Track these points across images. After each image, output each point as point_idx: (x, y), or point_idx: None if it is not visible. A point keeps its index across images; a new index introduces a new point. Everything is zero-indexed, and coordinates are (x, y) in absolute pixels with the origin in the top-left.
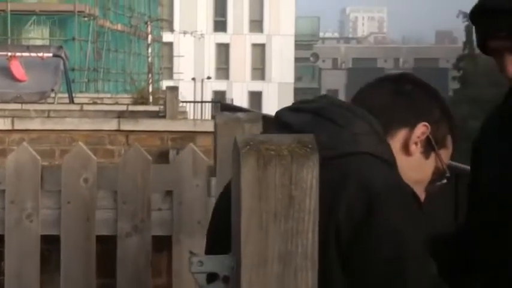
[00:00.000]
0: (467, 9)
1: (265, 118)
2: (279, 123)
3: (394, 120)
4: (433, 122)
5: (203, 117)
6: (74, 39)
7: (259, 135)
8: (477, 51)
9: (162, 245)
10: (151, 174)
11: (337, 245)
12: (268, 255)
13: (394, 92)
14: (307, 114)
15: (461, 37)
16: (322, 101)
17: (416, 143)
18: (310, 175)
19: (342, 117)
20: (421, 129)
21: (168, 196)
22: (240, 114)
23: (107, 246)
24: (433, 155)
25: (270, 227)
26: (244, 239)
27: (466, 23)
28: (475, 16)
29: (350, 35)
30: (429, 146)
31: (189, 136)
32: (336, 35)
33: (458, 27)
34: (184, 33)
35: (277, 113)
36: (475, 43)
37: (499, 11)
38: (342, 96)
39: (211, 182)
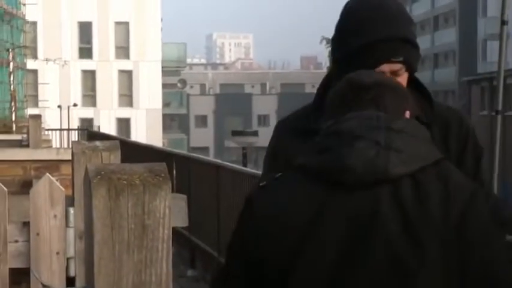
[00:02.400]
0: (330, 35)
1: (125, 145)
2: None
3: None
4: None
5: (70, 146)
6: None
7: (111, 165)
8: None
9: (20, 277)
10: (8, 205)
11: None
12: (122, 286)
13: None
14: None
15: (326, 62)
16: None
17: None
18: (163, 204)
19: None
20: None
21: (25, 227)
22: (97, 143)
23: None
24: None
25: (123, 257)
26: (97, 270)
27: (329, 48)
28: (375, 43)
29: (217, 61)
30: None
31: (54, 165)
32: (203, 61)
33: (322, 53)
34: (47, 60)
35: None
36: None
37: (398, 40)
38: (209, 121)
39: (70, 212)
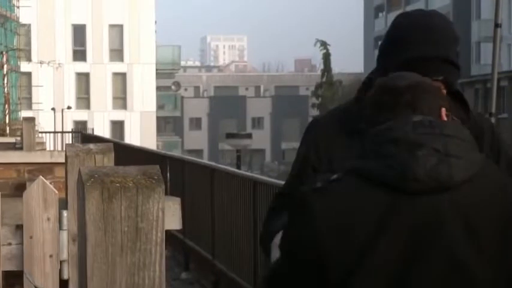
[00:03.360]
0: (325, 37)
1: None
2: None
3: None
4: None
5: (63, 148)
6: None
7: (104, 167)
8: (335, 78)
9: (13, 280)
10: (1, 207)
11: None
12: None
13: None
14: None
15: (320, 65)
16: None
17: None
18: (156, 206)
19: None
20: None
21: (19, 230)
22: (91, 145)
23: None
24: None
25: (117, 260)
26: (90, 273)
27: (324, 51)
28: (420, 60)
29: (212, 64)
30: None
31: (47, 167)
32: (198, 63)
33: (316, 55)
34: (41, 63)
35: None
36: (333, 71)
37: (441, 60)
38: (204, 123)
39: (63, 215)
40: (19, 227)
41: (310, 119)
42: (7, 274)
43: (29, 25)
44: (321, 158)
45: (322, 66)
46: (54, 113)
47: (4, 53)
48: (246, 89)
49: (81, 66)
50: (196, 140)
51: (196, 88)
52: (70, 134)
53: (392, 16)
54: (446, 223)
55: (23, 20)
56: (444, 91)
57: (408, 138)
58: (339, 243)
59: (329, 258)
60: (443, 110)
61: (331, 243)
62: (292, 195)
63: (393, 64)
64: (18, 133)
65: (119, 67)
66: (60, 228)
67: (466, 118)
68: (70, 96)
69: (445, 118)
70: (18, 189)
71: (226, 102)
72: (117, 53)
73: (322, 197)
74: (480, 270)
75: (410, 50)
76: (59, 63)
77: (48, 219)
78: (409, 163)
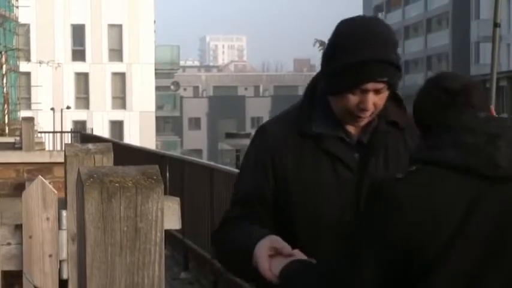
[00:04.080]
0: (324, 37)
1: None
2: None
3: None
4: None
5: (63, 148)
6: None
7: (103, 167)
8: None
9: (12, 280)
10: (0, 207)
11: None
12: None
13: None
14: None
15: (319, 65)
16: None
17: None
18: (155, 206)
19: None
20: None
21: (18, 230)
22: (90, 145)
23: None
24: None
25: (116, 260)
26: (89, 272)
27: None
28: (365, 63)
29: (211, 63)
30: None
31: (46, 167)
32: (197, 63)
33: (315, 55)
34: (40, 62)
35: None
36: None
37: (385, 62)
38: (203, 123)
39: (62, 215)
40: (18, 227)
41: None
42: (6, 274)
43: (28, 25)
44: (283, 163)
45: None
46: (53, 112)
47: (3, 53)
48: (245, 88)
49: (80, 66)
50: (196, 139)
51: (196, 88)
52: (69, 134)
53: (391, 16)
54: None
55: (22, 19)
56: (387, 92)
57: (486, 129)
58: (425, 235)
59: (418, 244)
60: (492, 106)
61: (418, 236)
62: (253, 205)
63: (338, 68)
64: (18, 133)
65: (118, 67)
66: (60, 228)
67: (403, 118)
68: (69, 96)
69: (494, 113)
70: (18, 189)
71: (226, 102)
72: (116, 53)
73: (407, 186)
74: None
75: (355, 53)
76: (58, 63)
77: (48, 219)
78: (494, 152)
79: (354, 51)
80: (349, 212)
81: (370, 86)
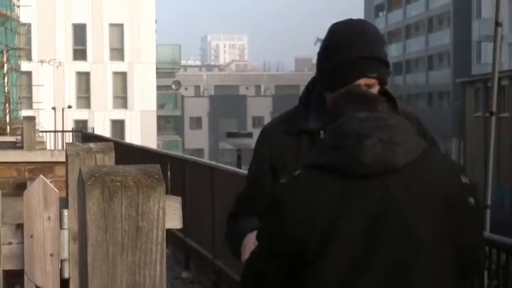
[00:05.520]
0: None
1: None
2: None
3: None
4: None
5: (64, 147)
6: None
7: (105, 166)
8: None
9: (14, 279)
10: (2, 207)
11: None
12: None
13: None
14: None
15: None
16: None
17: None
18: (156, 206)
19: None
20: None
21: (19, 229)
22: (91, 145)
23: None
24: None
25: (117, 259)
26: (91, 272)
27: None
28: (356, 60)
29: (212, 63)
30: None
31: (48, 166)
32: (198, 62)
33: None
34: (42, 62)
35: None
36: None
37: (374, 59)
38: (204, 122)
39: (64, 214)
40: (19, 226)
41: None
42: (8, 273)
43: (30, 24)
44: (281, 156)
45: None
46: (55, 112)
47: (4, 52)
48: (247, 88)
49: (81, 66)
50: (197, 139)
51: (197, 87)
52: (70, 133)
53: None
54: (395, 199)
55: (23, 19)
56: (378, 87)
57: (358, 130)
58: (305, 229)
59: (300, 244)
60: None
61: (299, 231)
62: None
63: (333, 66)
64: (19, 132)
65: (119, 66)
66: (61, 227)
67: (395, 112)
68: (70, 95)
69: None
70: (19, 188)
71: (227, 102)
72: (117, 52)
73: (287, 190)
74: (425, 235)
75: (348, 52)
76: (59, 62)
77: (49, 218)
78: (359, 151)
79: (348, 50)
80: None
81: (363, 81)
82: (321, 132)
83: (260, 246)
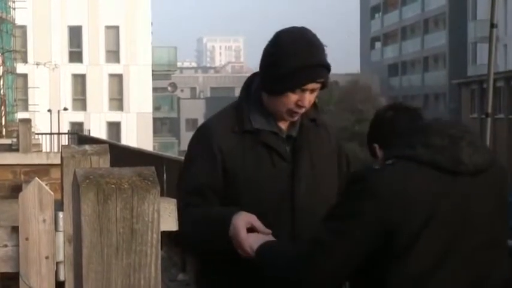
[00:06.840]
0: (320, 38)
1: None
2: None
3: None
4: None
5: (59, 150)
6: None
7: (100, 169)
8: (331, 79)
9: (9, 282)
10: None
11: None
12: None
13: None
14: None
15: None
16: None
17: None
18: (151, 208)
19: None
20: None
21: (15, 232)
22: (87, 147)
23: None
24: None
25: (112, 261)
26: (86, 274)
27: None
28: (306, 67)
29: (208, 65)
30: None
31: (43, 169)
32: (194, 64)
33: None
34: (37, 64)
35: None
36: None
37: (322, 66)
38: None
39: (59, 216)
40: (15, 229)
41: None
42: (3, 276)
43: (25, 26)
44: (229, 157)
45: None
46: (51, 114)
47: (0, 54)
48: None
49: (77, 68)
50: None
51: (193, 89)
52: (66, 136)
53: (388, 17)
54: (483, 200)
55: (19, 21)
56: (318, 91)
57: (450, 133)
58: (404, 214)
59: (396, 227)
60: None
61: (397, 215)
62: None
63: (281, 72)
64: (14, 135)
65: (115, 68)
66: (56, 229)
67: (319, 116)
68: (66, 97)
69: None
70: (14, 191)
71: (223, 103)
72: (113, 54)
73: (383, 176)
74: (500, 234)
75: (298, 59)
76: (55, 65)
77: (44, 220)
78: (457, 150)
79: (297, 57)
80: (285, 197)
81: (310, 86)
82: (261, 132)
83: (342, 229)
